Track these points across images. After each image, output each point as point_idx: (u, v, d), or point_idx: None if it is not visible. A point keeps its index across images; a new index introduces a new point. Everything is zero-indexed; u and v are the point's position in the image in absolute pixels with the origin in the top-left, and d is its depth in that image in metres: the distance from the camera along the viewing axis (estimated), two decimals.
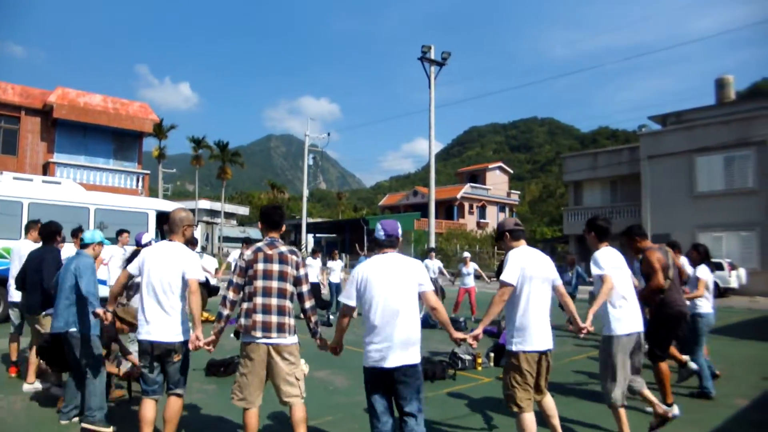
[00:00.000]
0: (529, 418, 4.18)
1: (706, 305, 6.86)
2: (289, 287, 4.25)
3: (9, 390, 6.47)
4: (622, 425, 4.75)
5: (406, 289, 3.88)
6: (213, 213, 65.57)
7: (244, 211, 79.45)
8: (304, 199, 39.14)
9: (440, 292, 14.36)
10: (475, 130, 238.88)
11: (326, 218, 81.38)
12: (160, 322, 4.36)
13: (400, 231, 4.11)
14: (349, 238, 46.18)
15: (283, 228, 4.45)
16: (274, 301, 4.16)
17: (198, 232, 16.41)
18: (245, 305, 4.21)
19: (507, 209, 62.81)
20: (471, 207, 58.10)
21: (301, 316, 4.36)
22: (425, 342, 10.19)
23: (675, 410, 5.47)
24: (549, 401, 4.51)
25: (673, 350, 6.49)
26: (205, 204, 67.77)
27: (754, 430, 5.51)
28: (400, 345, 3.76)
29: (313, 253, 15.21)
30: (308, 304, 4.33)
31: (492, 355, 8.41)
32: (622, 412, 4.75)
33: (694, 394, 6.50)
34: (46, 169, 24.33)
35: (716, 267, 21.81)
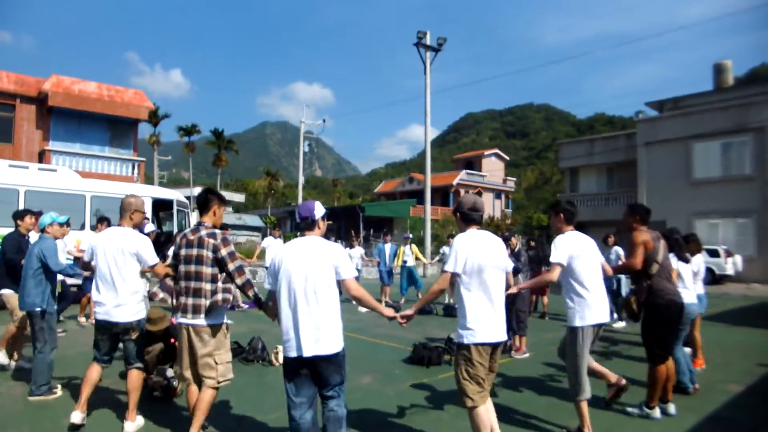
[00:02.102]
0: (483, 412, 3.97)
1: (685, 295, 6.10)
2: (207, 270, 4.30)
3: None
4: (584, 420, 4.60)
5: (317, 274, 3.65)
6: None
7: (239, 198, 79.17)
8: (300, 186, 39.11)
9: None
10: (470, 117, 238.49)
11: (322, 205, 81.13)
12: (116, 303, 4.73)
13: (317, 212, 3.90)
14: (344, 225, 46.20)
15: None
16: (192, 284, 4.29)
17: (194, 219, 16.45)
18: (175, 288, 4.43)
19: (503, 196, 62.84)
20: (467, 194, 57.96)
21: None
22: (421, 327, 10.33)
23: (656, 414, 5.26)
24: (489, 404, 4.16)
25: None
26: (200, 191, 67.49)
27: (749, 416, 5.54)
28: (307, 334, 3.58)
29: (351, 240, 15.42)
30: (239, 281, 4.34)
31: None
32: (585, 406, 4.61)
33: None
34: (41, 156, 24.26)
35: (712, 254, 22.00)
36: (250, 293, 4.41)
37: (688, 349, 6.80)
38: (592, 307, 4.66)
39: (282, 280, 3.71)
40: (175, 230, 14.90)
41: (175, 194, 16.09)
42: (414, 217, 45.36)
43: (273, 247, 13.90)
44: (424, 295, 4.26)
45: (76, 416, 4.70)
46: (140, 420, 4.85)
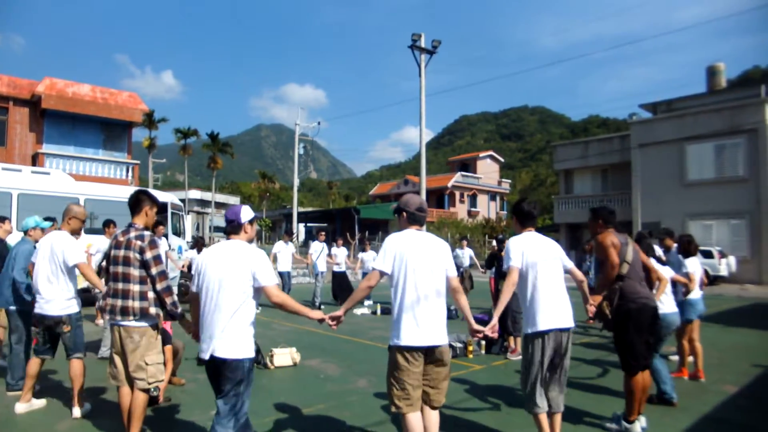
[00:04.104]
0: (414, 419, 3.70)
1: (666, 305, 5.85)
2: (135, 272, 4.32)
3: None
4: None
5: (231, 280, 3.62)
6: (203, 203, 65.29)
7: (234, 201, 79.05)
8: (295, 189, 39.01)
9: (469, 280, 14.37)
10: (465, 119, 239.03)
11: (317, 207, 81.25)
12: (48, 298, 5.18)
13: (244, 216, 3.83)
14: (340, 227, 46.16)
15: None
16: (120, 286, 4.32)
17: (188, 222, 16.49)
18: (105, 289, 4.51)
19: (498, 198, 62.94)
20: (462, 196, 58.12)
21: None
22: None
23: (636, 428, 4.84)
24: (434, 416, 3.90)
25: (643, 394, 5.01)
26: (195, 194, 67.45)
27: (744, 416, 5.55)
28: (215, 336, 3.59)
29: (336, 241, 15.57)
30: (159, 286, 4.33)
31: (483, 343, 8.46)
32: (543, 418, 4.21)
33: (652, 399, 5.61)
34: (35, 159, 24.11)
35: (706, 255, 22.08)
36: (168, 300, 4.36)
37: (675, 357, 6.74)
38: (548, 314, 4.23)
39: (201, 284, 3.73)
40: (189, 235, 14.90)
41: (169, 197, 16.05)
42: None
43: (283, 252, 14.02)
44: (352, 295, 4.05)
45: (20, 407, 5.26)
46: (87, 406, 5.23)
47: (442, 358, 3.83)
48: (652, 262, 5.95)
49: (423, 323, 3.71)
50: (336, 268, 15.03)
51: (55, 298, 5.17)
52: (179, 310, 4.44)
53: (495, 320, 4.23)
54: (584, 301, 4.72)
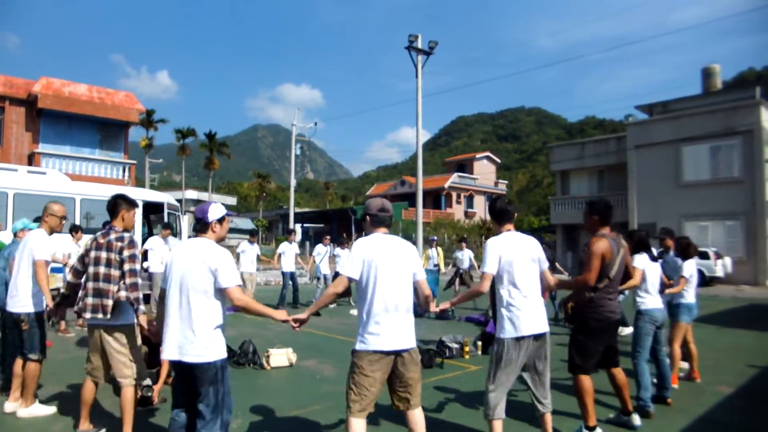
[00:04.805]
0: (359, 426, 3.65)
1: (650, 300, 5.81)
2: (115, 272, 4.50)
3: None
4: None
5: (192, 280, 3.57)
6: (200, 203, 65.10)
7: (231, 201, 78.82)
8: (292, 189, 38.98)
9: (470, 281, 14.31)
10: (462, 120, 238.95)
11: (314, 208, 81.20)
12: (11, 294, 5.27)
13: (211, 215, 3.77)
14: (336, 227, 46.14)
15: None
16: (100, 285, 4.47)
17: (185, 223, 16.44)
18: (82, 290, 4.58)
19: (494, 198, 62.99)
20: (458, 196, 58.19)
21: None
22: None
23: None
24: (417, 416, 3.85)
25: (624, 389, 5.12)
26: (192, 194, 67.24)
27: (739, 417, 5.57)
28: (173, 338, 3.56)
29: (341, 243, 15.61)
30: (128, 281, 4.49)
31: (479, 343, 8.49)
32: (497, 426, 4.15)
33: (634, 407, 5.30)
34: (31, 159, 24.07)
35: (702, 256, 22.16)
36: (132, 296, 4.48)
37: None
38: (522, 318, 4.12)
39: (167, 282, 3.73)
40: (185, 235, 14.87)
41: (165, 197, 16.02)
42: (406, 220, 45.34)
43: (289, 252, 14.06)
44: (318, 300, 4.02)
45: (8, 406, 5.29)
46: (36, 408, 5.24)
47: (413, 361, 3.79)
48: (643, 257, 5.87)
49: (390, 328, 3.67)
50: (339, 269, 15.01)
51: (18, 295, 5.25)
52: (141, 307, 4.56)
53: (445, 305, 4.48)
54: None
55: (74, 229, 10.40)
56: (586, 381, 4.70)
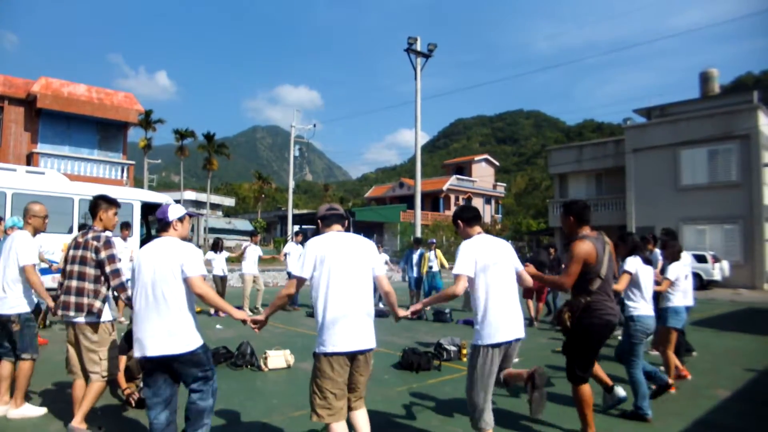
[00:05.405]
0: (338, 429, 3.60)
1: (642, 307, 5.65)
2: (90, 270, 4.60)
3: None
4: None
5: (163, 274, 3.70)
6: (199, 204, 65.19)
7: (230, 202, 79.11)
8: (290, 191, 39.04)
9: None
10: (461, 123, 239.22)
11: (312, 210, 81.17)
12: (2, 296, 5.19)
13: (171, 214, 3.94)
14: None
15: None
16: (74, 283, 4.58)
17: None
18: (59, 288, 4.67)
19: (493, 201, 63.07)
20: (457, 199, 58.20)
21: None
22: (410, 332, 10.32)
23: None
24: (360, 417, 3.83)
25: (598, 370, 5.33)
26: (190, 195, 67.43)
27: (736, 421, 5.57)
28: (152, 334, 3.67)
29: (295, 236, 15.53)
30: (113, 282, 4.59)
31: None
32: None
33: (627, 414, 5.42)
34: (29, 159, 24.06)
35: (700, 259, 22.22)
36: (123, 296, 4.59)
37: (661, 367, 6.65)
38: (501, 326, 4.04)
39: (136, 282, 3.83)
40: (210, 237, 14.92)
41: (164, 198, 16.02)
42: (404, 222, 45.41)
43: (294, 252, 14.03)
44: (273, 301, 3.99)
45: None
46: (27, 409, 5.19)
47: (366, 363, 3.76)
48: (636, 260, 5.76)
49: (348, 328, 3.60)
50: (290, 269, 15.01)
51: (7, 296, 5.23)
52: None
53: (417, 306, 4.36)
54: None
55: (125, 227, 11.08)
56: (587, 391, 4.63)
